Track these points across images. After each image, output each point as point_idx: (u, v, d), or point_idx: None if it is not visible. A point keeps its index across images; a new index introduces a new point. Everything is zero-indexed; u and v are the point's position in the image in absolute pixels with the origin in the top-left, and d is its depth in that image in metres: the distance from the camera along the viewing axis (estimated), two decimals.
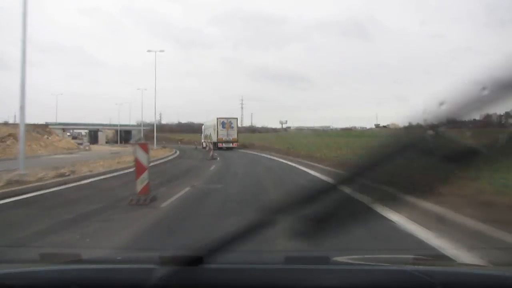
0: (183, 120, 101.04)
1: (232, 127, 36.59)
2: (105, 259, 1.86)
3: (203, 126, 46.61)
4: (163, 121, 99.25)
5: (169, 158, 23.62)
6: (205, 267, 1.28)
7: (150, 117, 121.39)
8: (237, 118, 38.70)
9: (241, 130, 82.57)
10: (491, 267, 2.52)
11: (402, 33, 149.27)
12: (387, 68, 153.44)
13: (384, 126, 72.58)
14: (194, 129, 74.37)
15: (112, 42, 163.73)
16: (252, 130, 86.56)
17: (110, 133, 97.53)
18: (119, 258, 1.86)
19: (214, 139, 35.10)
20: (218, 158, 22.12)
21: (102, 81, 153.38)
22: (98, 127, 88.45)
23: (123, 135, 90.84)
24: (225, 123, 36.17)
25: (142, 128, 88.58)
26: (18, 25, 11.29)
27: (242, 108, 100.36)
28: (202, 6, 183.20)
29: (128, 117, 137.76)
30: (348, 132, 68.39)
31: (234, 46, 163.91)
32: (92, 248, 3.98)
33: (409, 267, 1.44)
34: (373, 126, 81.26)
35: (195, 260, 1.28)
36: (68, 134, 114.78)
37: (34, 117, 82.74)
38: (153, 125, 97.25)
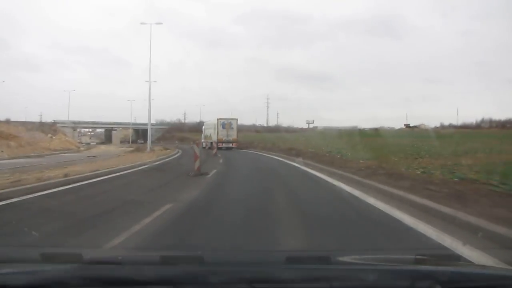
0: (205, 119, 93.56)
1: (232, 128, 35.80)
2: (106, 259, 1.74)
3: (203, 127, 45.26)
4: (187, 120, 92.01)
5: (134, 169, 13.66)
6: (207, 267, 1.30)
7: (171, 116, 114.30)
8: (236, 119, 38.04)
9: (267, 130, 77.62)
10: (493, 266, 2.62)
11: (430, 30, 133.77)
12: (415, 67, 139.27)
13: (415, 127, 67.75)
14: None
15: (136, 42, 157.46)
16: (277, 129, 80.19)
17: (129, 132, 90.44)
18: (120, 257, 1.72)
19: (214, 139, 33.94)
20: (214, 171, 12.17)
21: (128, 81, 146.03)
22: (112, 126, 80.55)
23: (141, 134, 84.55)
24: (225, 124, 35.51)
25: (152, 127, 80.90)
26: None
27: (267, 107, 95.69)
28: (226, 5, 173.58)
29: (152, 115, 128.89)
30: (398, 132, 58.20)
31: (258, 46, 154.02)
32: (94, 248, 3.52)
33: (411, 267, 1.43)
34: (403, 126, 73.46)
35: (196, 260, 1.34)
36: (89, 132, 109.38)
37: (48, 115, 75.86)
38: (172, 124, 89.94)
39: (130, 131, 74.97)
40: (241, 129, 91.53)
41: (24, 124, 58.34)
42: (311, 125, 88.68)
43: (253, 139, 46.23)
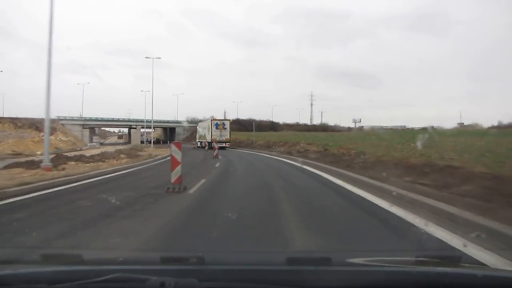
0: (242, 117, 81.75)
1: (225, 128, 36.51)
2: (107, 260, 1.71)
3: (197, 127, 46.80)
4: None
5: None
6: (207, 268, 1.25)
7: (206, 114, 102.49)
8: (229, 120, 39.47)
9: (311, 129, 64.83)
10: (495, 268, 2.52)
11: (476, 24, 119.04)
12: (462, 64, 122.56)
13: (469, 125, 57.63)
14: (249, 127, 55.98)
15: (174, 43, 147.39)
16: (324, 128, 72.47)
17: (161, 132, 78.97)
18: (121, 258, 1.71)
19: (208, 139, 34.77)
20: None
21: (166, 81, 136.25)
22: (131, 124, 68.55)
23: (168, 133, 72.92)
24: (219, 125, 36.28)
25: (179, 125, 69.12)
26: None
27: (311, 105, 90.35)
28: (263, 4, 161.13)
29: (187, 114, 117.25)
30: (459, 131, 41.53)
31: (297, 45, 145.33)
32: (94, 249, 3.43)
33: (411, 268, 1.39)
34: (456, 125, 60.96)
35: (197, 261, 1.30)
36: (122, 131, 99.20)
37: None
38: (202, 121, 76.68)
39: (144, 130, 61.22)
40: (283, 127, 77.32)
41: (13, 120, 47.15)
42: (358, 124, 78.78)
43: (298, 139, 32.28)
